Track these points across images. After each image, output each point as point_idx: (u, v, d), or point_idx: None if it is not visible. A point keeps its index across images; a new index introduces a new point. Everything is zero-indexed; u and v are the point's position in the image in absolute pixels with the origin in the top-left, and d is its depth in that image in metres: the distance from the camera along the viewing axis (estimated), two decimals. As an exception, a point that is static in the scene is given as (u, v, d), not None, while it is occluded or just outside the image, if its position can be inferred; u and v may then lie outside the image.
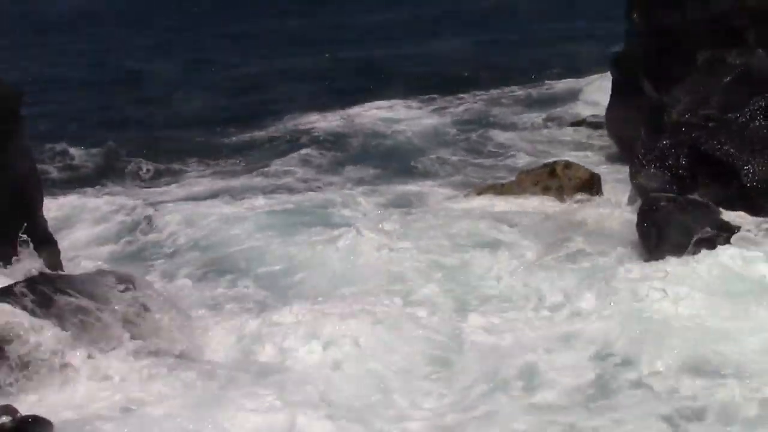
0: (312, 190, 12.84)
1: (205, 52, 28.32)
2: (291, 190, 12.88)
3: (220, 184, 13.78)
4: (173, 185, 13.97)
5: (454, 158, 14.59)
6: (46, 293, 6.63)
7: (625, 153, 12.82)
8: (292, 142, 16.30)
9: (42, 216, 8.16)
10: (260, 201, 11.92)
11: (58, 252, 8.30)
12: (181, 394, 6.32)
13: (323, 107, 18.70)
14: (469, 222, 9.88)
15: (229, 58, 26.61)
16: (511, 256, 8.80)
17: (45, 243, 7.95)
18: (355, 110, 18.48)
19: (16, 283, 6.69)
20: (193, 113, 18.86)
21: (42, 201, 8.43)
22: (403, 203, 11.78)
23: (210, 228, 10.67)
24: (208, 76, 23.98)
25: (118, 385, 6.39)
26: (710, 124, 8.89)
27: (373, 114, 18.19)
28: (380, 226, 9.74)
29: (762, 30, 11.11)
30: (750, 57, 10.83)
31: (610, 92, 13.82)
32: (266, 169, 14.45)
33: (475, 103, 19.32)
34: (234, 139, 16.99)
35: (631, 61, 13.48)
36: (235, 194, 12.60)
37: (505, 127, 16.69)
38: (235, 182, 13.84)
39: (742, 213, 8.15)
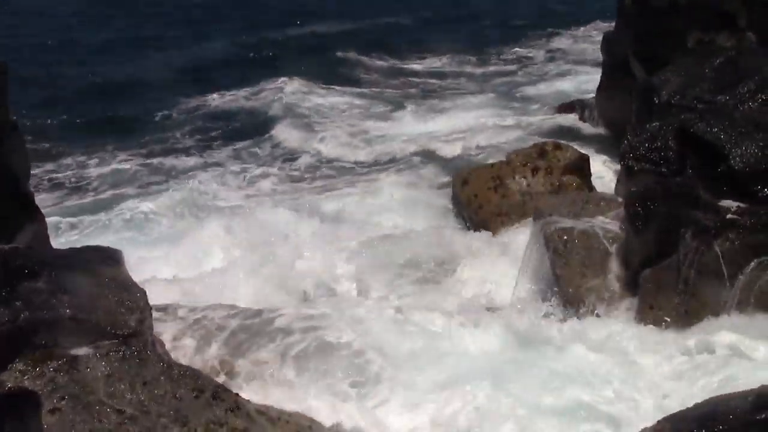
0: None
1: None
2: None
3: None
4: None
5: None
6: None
7: (614, 135, 12.87)
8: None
9: (29, 188, 8.06)
10: None
11: (45, 226, 8.22)
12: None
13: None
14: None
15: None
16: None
17: (32, 216, 7.86)
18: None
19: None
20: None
21: (29, 174, 8.32)
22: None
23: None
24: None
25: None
26: (700, 106, 8.90)
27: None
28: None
29: (752, 13, 11.14)
30: (740, 40, 10.86)
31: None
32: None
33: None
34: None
35: (621, 42, 13.50)
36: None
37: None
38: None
39: (728, 201, 8.13)
